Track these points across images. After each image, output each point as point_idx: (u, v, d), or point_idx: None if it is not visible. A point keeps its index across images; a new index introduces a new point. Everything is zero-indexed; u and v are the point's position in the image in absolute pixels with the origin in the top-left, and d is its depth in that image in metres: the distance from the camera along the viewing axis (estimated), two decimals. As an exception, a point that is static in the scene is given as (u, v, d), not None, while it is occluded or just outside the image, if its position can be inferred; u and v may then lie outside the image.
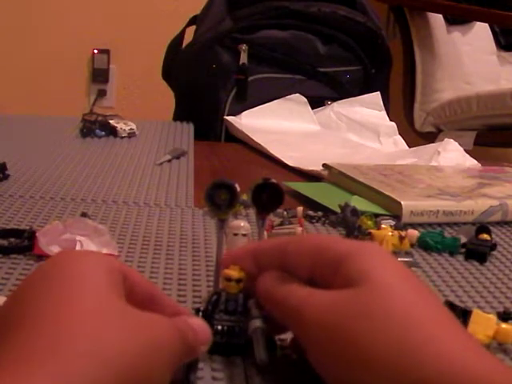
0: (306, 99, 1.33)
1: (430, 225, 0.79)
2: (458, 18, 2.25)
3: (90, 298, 0.34)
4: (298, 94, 1.33)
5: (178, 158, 1.05)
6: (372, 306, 0.36)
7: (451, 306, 0.51)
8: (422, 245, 0.71)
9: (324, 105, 1.36)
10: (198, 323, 0.40)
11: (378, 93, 1.38)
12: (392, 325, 0.35)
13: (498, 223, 0.83)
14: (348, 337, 0.35)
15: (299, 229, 0.65)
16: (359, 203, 0.79)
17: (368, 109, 1.35)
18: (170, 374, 0.36)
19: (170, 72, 1.47)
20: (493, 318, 0.50)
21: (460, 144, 1.13)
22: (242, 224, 0.50)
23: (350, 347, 0.35)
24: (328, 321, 0.36)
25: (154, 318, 0.36)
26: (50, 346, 0.31)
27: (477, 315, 0.50)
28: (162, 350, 0.34)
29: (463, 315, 0.50)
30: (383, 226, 0.70)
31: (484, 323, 0.50)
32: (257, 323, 0.43)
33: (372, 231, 0.69)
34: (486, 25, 2.33)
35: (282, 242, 0.44)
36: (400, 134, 1.31)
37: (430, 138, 1.97)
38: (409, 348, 0.34)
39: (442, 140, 1.17)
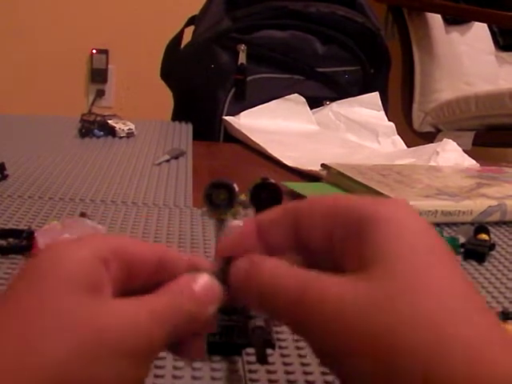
0: (304, 99, 1.33)
1: (429, 225, 0.79)
2: (456, 18, 2.26)
3: (41, 299, 0.30)
4: (296, 94, 1.33)
5: (176, 158, 1.05)
6: (397, 304, 0.31)
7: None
8: (421, 245, 0.71)
9: (323, 105, 1.36)
10: (202, 284, 0.35)
11: (377, 93, 1.38)
12: (421, 327, 0.30)
13: (497, 223, 0.83)
14: (372, 333, 0.31)
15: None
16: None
17: (367, 109, 1.35)
18: (145, 365, 0.32)
19: (169, 72, 1.47)
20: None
21: (459, 144, 1.13)
22: (241, 224, 0.50)
23: (374, 342, 0.31)
24: (347, 314, 0.31)
25: (117, 314, 0.31)
26: None
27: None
28: (112, 354, 0.30)
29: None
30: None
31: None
32: (256, 322, 0.43)
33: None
34: (485, 25, 2.33)
35: (290, 209, 0.37)
36: (399, 134, 1.31)
37: (429, 138, 1.97)
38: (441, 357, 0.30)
39: (441, 140, 1.17)
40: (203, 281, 0.35)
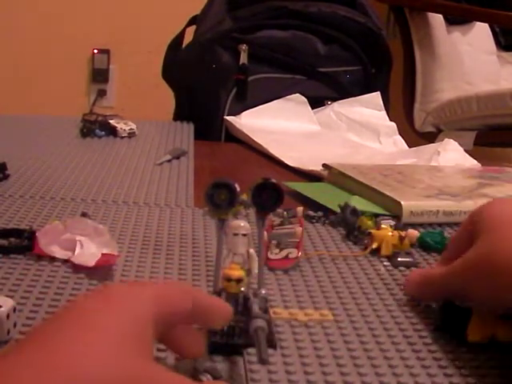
0: (306, 99, 1.33)
1: (430, 225, 0.79)
2: (457, 18, 2.25)
3: (94, 359, 0.30)
4: (298, 94, 1.33)
5: (178, 157, 1.05)
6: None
7: (451, 305, 0.51)
8: (422, 245, 0.71)
9: (324, 105, 1.36)
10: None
11: (378, 93, 1.38)
12: None
13: (498, 223, 0.82)
14: None
15: (299, 229, 0.65)
16: (359, 203, 0.79)
17: (368, 109, 1.35)
18: None
19: (171, 72, 1.47)
20: (493, 317, 0.50)
21: (460, 144, 1.13)
22: (242, 224, 0.50)
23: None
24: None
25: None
26: None
27: (477, 315, 0.50)
28: None
29: (463, 315, 0.50)
30: (383, 226, 0.70)
31: (484, 323, 0.50)
32: (258, 323, 0.43)
33: (372, 231, 0.69)
34: (486, 25, 2.33)
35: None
36: (400, 134, 1.31)
37: (430, 137, 1.97)
38: None
39: (442, 140, 1.17)
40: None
